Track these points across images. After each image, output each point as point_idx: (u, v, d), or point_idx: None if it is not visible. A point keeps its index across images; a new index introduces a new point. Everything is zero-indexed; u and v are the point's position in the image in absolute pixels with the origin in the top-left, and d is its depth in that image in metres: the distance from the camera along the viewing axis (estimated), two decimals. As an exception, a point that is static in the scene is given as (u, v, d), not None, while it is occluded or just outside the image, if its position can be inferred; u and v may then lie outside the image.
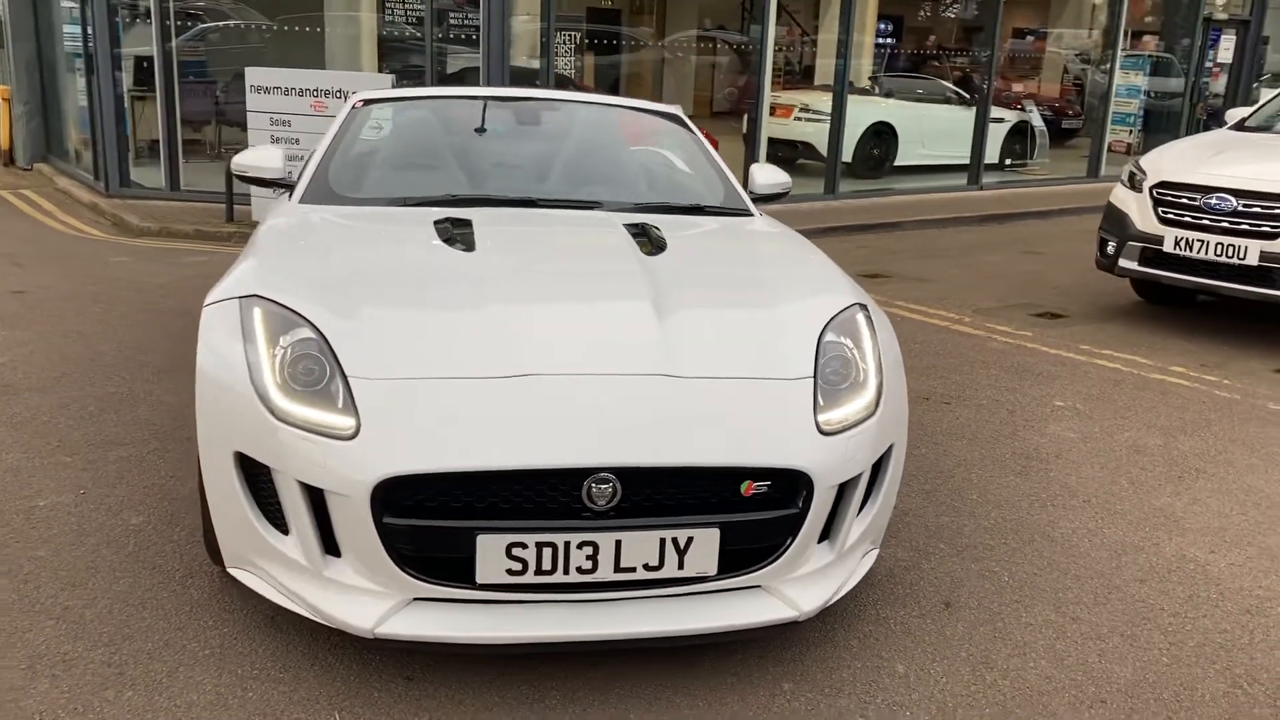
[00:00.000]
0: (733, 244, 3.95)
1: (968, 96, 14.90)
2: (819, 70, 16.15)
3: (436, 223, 3.73)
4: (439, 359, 2.87)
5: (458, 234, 3.61)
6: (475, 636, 2.72)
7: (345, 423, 2.72)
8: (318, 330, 2.92)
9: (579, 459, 2.66)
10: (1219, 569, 3.78)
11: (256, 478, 2.88)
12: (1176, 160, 7.09)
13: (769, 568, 2.85)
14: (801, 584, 2.96)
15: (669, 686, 2.95)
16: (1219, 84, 17.86)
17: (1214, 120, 17.96)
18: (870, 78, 15.66)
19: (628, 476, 2.68)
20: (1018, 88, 18.18)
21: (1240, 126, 7.88)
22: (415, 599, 2.76)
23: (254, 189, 9.38)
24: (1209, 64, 17.20)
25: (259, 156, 4.28)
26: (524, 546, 2.66)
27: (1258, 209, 6.41)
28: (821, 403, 2.95)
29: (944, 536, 3.93)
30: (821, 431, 2.88)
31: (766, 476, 2.79)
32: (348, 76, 9.66)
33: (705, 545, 2.74)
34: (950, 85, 15.58)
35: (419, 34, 12.24)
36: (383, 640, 2.74)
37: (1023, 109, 15.73)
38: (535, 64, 11.64)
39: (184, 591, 3.32)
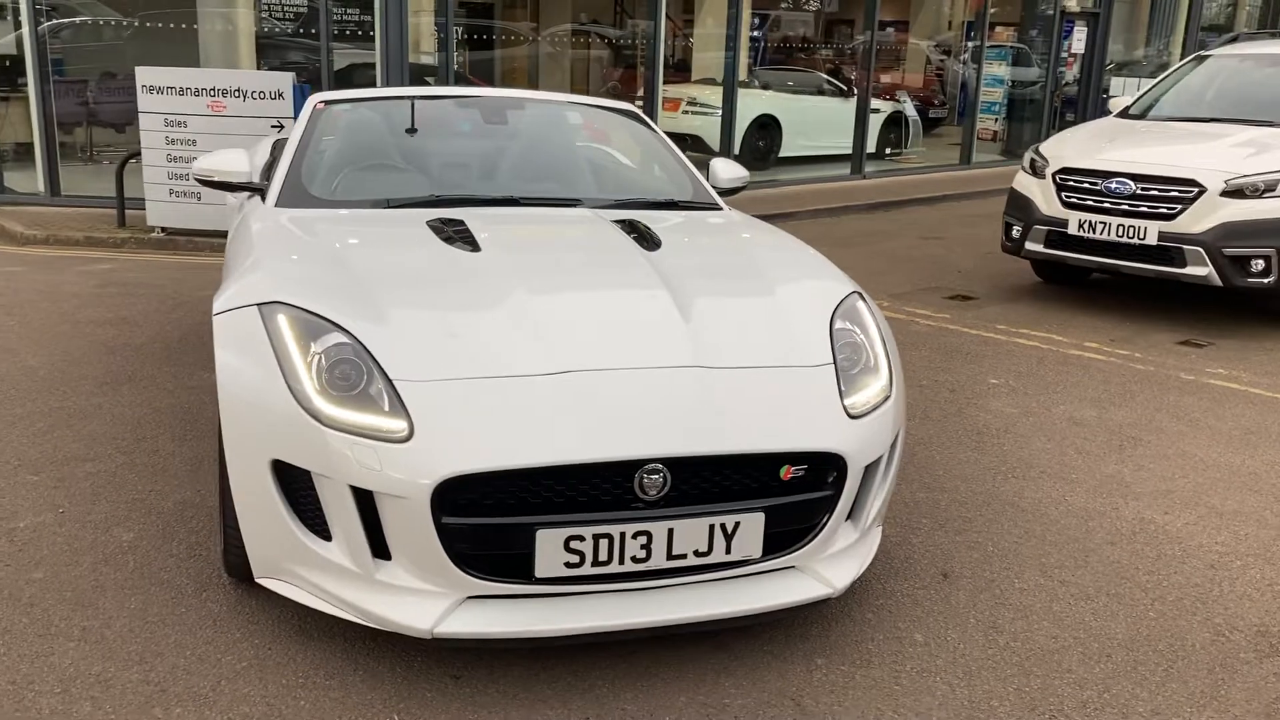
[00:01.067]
0: (720, 238, 4.06)
1: (845, 88, 15.33)
2: (697, 64, 16.38)
3: (429, 223, 3.73)
4: (478, 359, 2.90)
5: (455, 234, 3.62)
6: (534, 630, 2.76)
7: (397, 425, 2.72)
8: (350, 334, 2.91)
9: (633, 451, 2.73)
10: (1177, 529, 4.06)
11: (293, 485, 2.86)
12: (1076, 147, 7.49)
13: (806, 548, 2.97)
14: (832, 562, 3.09)
15: (710, 668, 3.04)
16: (1071, 73, 18.81)
17: (1069, 107, 18.94)
18: (749, 70, 15.95)
19: (676, 466, 2.76)
20: (886, 79, 18.78)
21: (1124, 114, 8.35)
22: (469, 597, 2.78)
23: (149, 193, 9.10)
24: (1064, 54, 18.06)
25: (224, 161, 4.18)
26: (581, 539, 2.71)
27: (1155, 191, 6.83)
28: (844, 388, 3.08)
29: (924, 511, 4.12)
30: (849, 415, 3.02)
31: (804, 460, 2.91)
32: (247, 76, 9.41)
33: (751, 529, 2.84)
34: (827, 77, 16.01)
35: (295, 30, 12.00)
36: (440, 640, 2.76)
37: (896, 99, 16.26)
38: (429, 59, 11.54)
39: (202, 605, 3.25)
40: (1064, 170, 7.28)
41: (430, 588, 2.77)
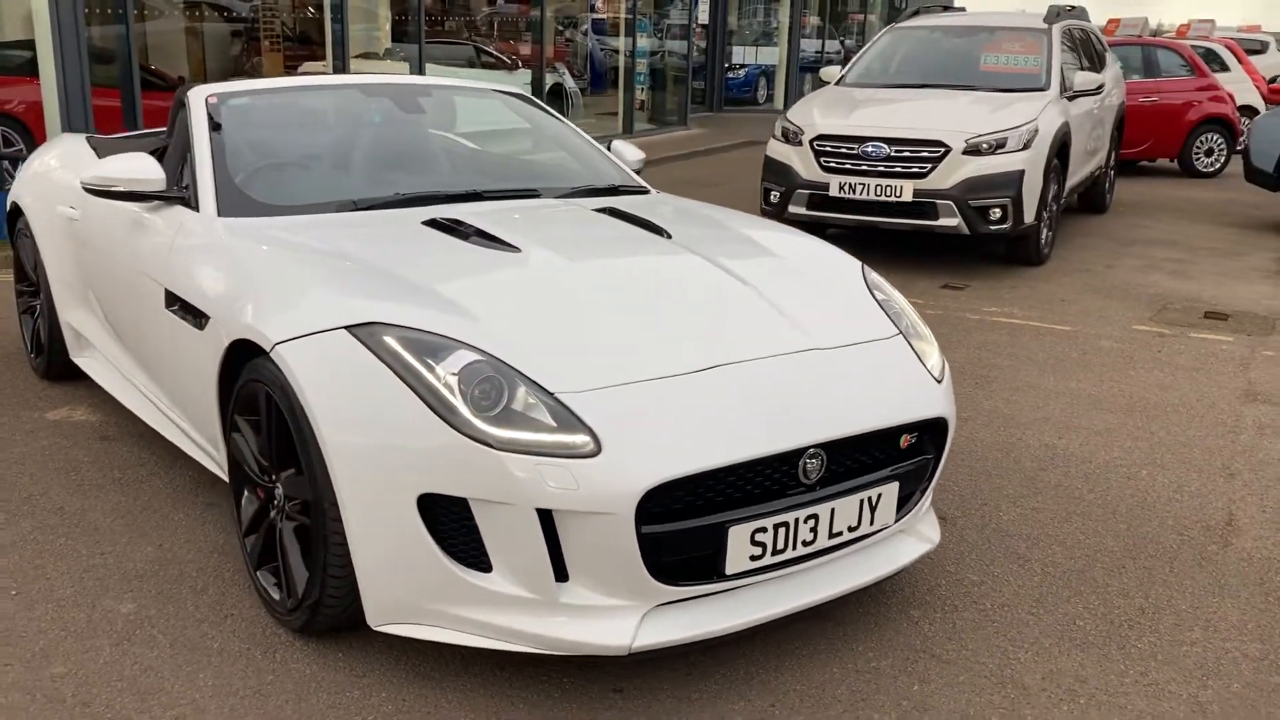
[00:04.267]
0: (699, 220, 4.06)
1: (508, 60, 15.38)
2: (353, 38, 15.70)
3: (427, 224, 3.48)
4: (624, 362, 2.79)
5: (473, 233, 3.41)
6: (726, 627, 2.74)
7: (580, 440, 2.58)
8: (480, 350, 2.70)
9: (801, 439, 2.76)
10: (1077, 449, 4.62)
11: (438, 519, 2.64)
12: (825, 115, 8.08)
13: (917, 507, 3.15)
14: (925, 519, 3.29)
15: (836, 638, 3.13)
16: (699, 43, 20.04)
17: (696, 75, 20.14)
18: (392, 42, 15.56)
19: (830, 448, 2.84)
20: (525, 51, 19.01)
21: (842, 83, 9.09)
22: (654, 606, 2.71)
23: None
24: (694, 25, 19.18)
25: (131, 168, 3.59)
26: (764, 530, 2.73)
27: (907, 153, 7.56)
28: (919, 355, 3.27)
29: (877, 464, 4.40)
30: (935, 380, 3.21)
31: (918, 428, 3.07)
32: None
33: (889, 499, 2.98)
34: (486, 49, 15.97)
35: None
36: (636, 655, 2.67)
37: (556, 71, 16.54)
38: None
39: (286, 669, 2.90)
40: (821, 137, 7.85)
41: (615, 602, 2.65)
